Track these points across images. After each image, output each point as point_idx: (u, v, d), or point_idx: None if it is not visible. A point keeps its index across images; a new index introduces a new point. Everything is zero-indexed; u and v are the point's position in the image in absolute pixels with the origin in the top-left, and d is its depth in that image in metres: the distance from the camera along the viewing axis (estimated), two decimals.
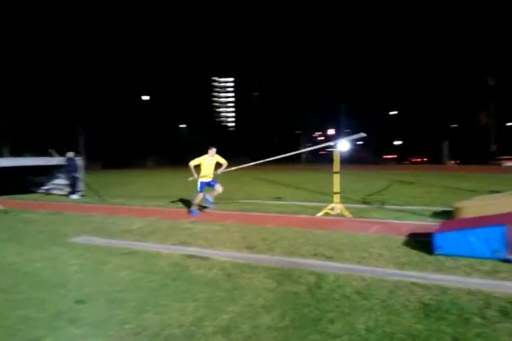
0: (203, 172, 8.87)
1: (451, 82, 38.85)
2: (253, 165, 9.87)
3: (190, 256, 5.29)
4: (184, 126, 61.88)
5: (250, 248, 5.72)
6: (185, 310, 3.59)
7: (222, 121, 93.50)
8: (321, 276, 4.32)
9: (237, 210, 9.55)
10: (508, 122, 40.69)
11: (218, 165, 8.98)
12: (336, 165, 8.38)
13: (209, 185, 8.92)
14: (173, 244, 6.10)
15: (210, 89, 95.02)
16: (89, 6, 48.83)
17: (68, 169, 13.90)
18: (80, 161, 14.31)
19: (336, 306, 3.55)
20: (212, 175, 8.93)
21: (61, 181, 14.70)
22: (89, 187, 13.68)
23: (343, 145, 8.58)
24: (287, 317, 3.36)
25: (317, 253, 5.33)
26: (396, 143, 53.86)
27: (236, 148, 53.46)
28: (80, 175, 14.10)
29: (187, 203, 10.51)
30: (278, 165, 31.47)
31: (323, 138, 56.48)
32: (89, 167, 24.04)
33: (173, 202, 11.36)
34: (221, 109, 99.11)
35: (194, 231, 6.98)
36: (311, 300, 3.71)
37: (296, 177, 21.29)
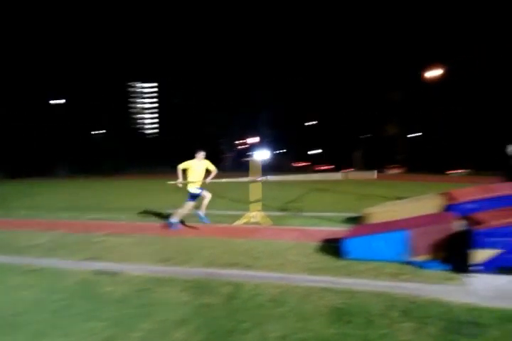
0: (190, 178, 7.98)
1: (363, 96, 41.78)
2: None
3: (101, 272, 4.98)
4: (101, 132, 58.97)
5: (167, 260, 5.55)
6: (92, 330, 3.36)
7: (142, 128, 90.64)
8: (237, 286, 4.31)
9: (155, 221, 9.25)
10: (412, 133, 44.51)
11: (207, 172, 8.19)
12: (255, 174, 8.51)
13: (197, 195, 8.02)
14: (82, 260, 5.71)
15: (129, 95, 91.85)
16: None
17: None
18: None
19: (251, 316, 3.55)
20: (200, 183, 8.10)
21: None
22: None
23: (261, 154, 8.73)
24: (202, 331, 3.29)
25: (236, 262, 5.32)
26: (315, 152, 56.38)
27: (156, 156, 52.09)
28: None
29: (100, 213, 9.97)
30: None
31: (245, 146, 57.23)
32: None
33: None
34: (144, 115, 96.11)
35: (106, 245, 6.61)
36: (226, 311, 3.68)
37: (217, 185, 21.22)
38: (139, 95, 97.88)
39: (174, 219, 8.11)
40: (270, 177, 8.31)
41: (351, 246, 5.16)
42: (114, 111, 64.38)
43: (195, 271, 4.98)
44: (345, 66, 42.89)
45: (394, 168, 34.75)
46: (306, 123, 53.34)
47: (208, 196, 7.92)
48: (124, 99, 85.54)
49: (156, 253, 5.97)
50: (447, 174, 29.32)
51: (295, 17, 50.11)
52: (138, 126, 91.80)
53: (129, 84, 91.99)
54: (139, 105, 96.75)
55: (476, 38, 32.17)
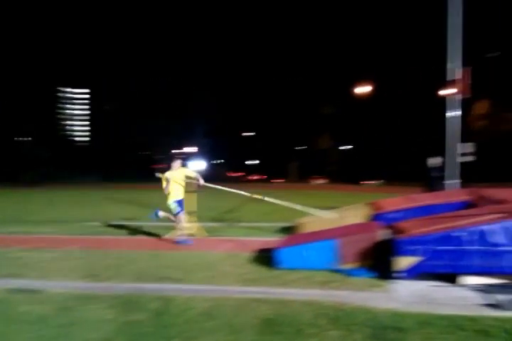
0: (172, 191, 7.49)
1: (299, 110, 43.24)
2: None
3: (18, 291, 4.59)
4: (27, 139, 55.18)
5: (93, 276, 5.25)
6: None
7: (72, 135, 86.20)
8: (167, 301, 4.17)
9: (82, 234, 8.73)
10: (343, 145, 46.60)
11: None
12: (190, 184, 8.36)
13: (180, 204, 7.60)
14: None
15: (58, 101, 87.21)
16: None
17: None
18: None
19: (181, 331, 3.44)
20: (183, 193, 7.67)
21: None
22: None
23: (197, 164, 8.64)
24: None
25: (166, 276, 5.17)
26: (252, 162, 56.97)
27: (87, 164, 49.66)
28: None
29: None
30: (132, 183, 30.16)
31: (181, 156, 56.50)
32: None
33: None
34: (74, 122, 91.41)
35: (26, 261, 6.12)
36: (154, 327, 3.54)
37: (153, 196, 20.63)
38: (68, 101, 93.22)
39: (180, 238, 7.51)
40: (267, 199, 8.06)
41: (283, 255, 5.23)
42: (41, 117, 60.66)
43: (123, 287, 4.76)
44: (281, 80, 44.14)
45: (318, 178, 36.00)
46: (244, 134, 53.92)
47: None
48: (53, 105, 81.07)
49: (82, 268, 5.63)
50: (361, 184, 30.98)
51: (227, 30, 50.72)
52: (67, 133, 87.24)
53: (59, 89, 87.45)
54: (68, 111, 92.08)
55: (400, 59, 34.67)
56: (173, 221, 7.78)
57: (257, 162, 56.50)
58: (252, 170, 52.50)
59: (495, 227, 4.39)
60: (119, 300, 4.25)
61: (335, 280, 4.85)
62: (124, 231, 8.98)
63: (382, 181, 30.69)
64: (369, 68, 36.33)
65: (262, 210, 13.14)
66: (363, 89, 33.45)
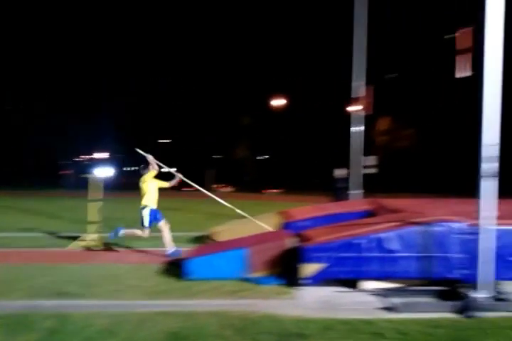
0: (155, 197, 7.26)
1: (216, 119, 43.51)
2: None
3: None
4: None
5: None
6: None
7: None
8: (63, 318, 3.85)
9: None
10: (261, 156, 47.64)
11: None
12: (94, 192, 7.88)
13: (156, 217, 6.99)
14: None
15: None
16: None
17: None
18: None
19: None
20: (155, 204, 7.18)
21: None
22: None
23: (103, 171, 8.19)
24: None
25: (65, 291, 4.77)
26: (169, 169, 55.59)
27: None
28: None
29: None
30: (32, 190, 27.70)
31: (89, 162, 53.35)
32: None
33: None
34: None
35: None
36: None
37: (53, 205, 19.16)
38: None
39: (169, 250, 6.86)
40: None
41: (193, 266, 5.13)
42: None
43: (14, 305, 4.30)
44: (200, 89, 44.07)
45: (223, 186, 36.35)
46: (160, 141, 52.60)
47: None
48: None
49: None
50: (263, 193, 32.14)
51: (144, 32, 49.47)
52: None
53: None
54: None
55: (314, 75, 36.68)
56: (138, 236, 7.10)
57: (174, 169, 55.34)
58: (167, 177, 51.25)
59: (390, 235, 4.74)
60: (6, 320, 3.82)
61: (244, 289, 4.86)
62: (21, 243, 8.17)
63: (281, 190, 32.13)
64: (285, 82, 37.89)
65: (178, 219, 12.81)
66: (278, 102, 34.61)
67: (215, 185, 34.22)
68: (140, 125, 48.44)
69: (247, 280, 5.14)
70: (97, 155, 47.34)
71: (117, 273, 5.63)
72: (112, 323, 3.74)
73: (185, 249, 7.12)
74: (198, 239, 8.36)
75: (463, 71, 5.27)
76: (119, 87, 46.78)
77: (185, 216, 14.10)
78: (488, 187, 4.33)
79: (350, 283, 4.95)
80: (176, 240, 8.40)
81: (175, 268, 5.68)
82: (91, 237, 7.77)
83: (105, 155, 46.87)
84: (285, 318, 3.91)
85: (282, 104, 34.97)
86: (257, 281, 5.08)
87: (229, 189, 35.43)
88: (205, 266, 5.12)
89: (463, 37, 5.41)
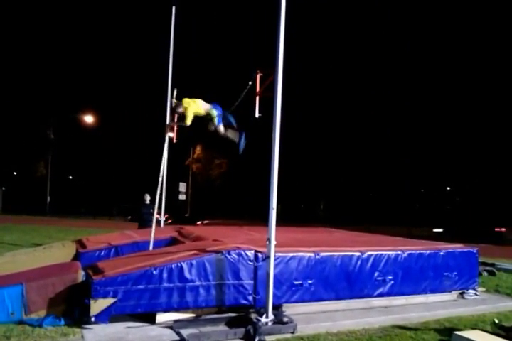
0: None
1: (15, 131, 38.01)
2: None
3: None
4: None
5: None
6: None
7: None
8: None
9: None
10: (66, 175, 43.23)
11: None
12: None
13: None
14: None
15: None
16: None
17: None
18: None
19: None
20: None
21: None
22: None
23: None
24: None
25: None
26: None
27: None
28: None
29: None
30: None
31: None
32: None
33: None
34: None
35: None
36: None
37: None
38: None
39: None
40: None
41: None
42: None
43: None
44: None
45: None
46: None
47: None
48: None
49: None
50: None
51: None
52: None
53: None
54: None
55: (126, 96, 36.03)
56: None
57: None
58: None
59: (186, 264, 4.69)
60: None
61: (16, 334, 4.09)
62: None
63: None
64: (95, 100, 36.17)
65: None
66: (87, 119, 32.11)
67: None
68: None
69: (22, 322, 4.36)
70: None
71: None
72: None
73: None
74: None
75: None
76: None
77: None
78: (273, 217, 4.74)
79: (150, 316, 4.69)
80: None
81: None
82: None
83: None
84: None
85: (90, 122, 32.56)
86: (36, 323, 4.35)
87: None
88: None
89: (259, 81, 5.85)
